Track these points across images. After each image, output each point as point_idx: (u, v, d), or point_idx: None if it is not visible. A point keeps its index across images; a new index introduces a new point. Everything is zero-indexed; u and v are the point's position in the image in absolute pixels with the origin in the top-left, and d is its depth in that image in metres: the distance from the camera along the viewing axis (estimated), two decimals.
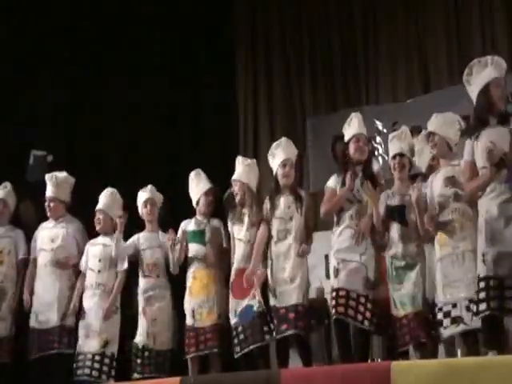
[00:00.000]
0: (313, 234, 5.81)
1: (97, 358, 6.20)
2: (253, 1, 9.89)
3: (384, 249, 5.44)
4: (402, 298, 5.28)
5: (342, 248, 5.43)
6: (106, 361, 6.22)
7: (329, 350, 6.63)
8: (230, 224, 6.07)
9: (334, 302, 5.32)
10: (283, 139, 6.01)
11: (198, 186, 6.35)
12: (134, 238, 6.46)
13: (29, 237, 6.72)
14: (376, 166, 5.85)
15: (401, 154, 5.52)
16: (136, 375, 6.10)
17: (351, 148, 5.61)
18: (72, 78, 8.51)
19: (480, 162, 4.72)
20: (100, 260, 6.43)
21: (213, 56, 9.30)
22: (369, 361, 5.67)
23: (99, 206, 6.55)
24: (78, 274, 6.53)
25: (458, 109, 5.78)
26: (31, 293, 6.51)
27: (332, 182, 5.63)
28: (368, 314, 5.32)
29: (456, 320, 4.96)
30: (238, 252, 5.95)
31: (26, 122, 8.16)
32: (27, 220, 7.15)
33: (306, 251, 5.71)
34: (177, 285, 6.35)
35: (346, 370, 4.62)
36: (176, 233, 6.29)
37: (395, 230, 5.37)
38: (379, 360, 6.13)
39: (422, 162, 5.70)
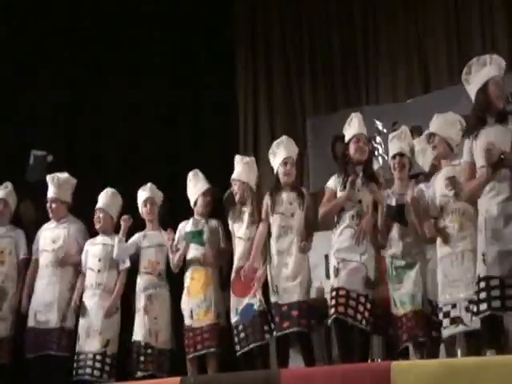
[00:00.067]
0: (313, 232, 5.82)
1: (98, 357, 6.20)
2: (253, 1, 9.88)
3: (385, 248, 5.46)
4: (402, 297, 5.29)
5: (343, 248, 5.43)
6: (108, 360, 6.23)
7: (329, 350, 6.63)
8: (230, 222, 6.09)
9: (333, 302, 5.32)
10: (284, 137, 6.02)
11: (195, 186, 6.36)
12: (135, 237, 6.46)
13: (29, 237, 6.72)
14: (375, 166, 5.86)
15: (401, 154, 5.54)
16: (139, 373, 6.09)
17: (351, 148, 5.61)
18: (72, 77, 8.51)
19: (479, 162, 4.72)
20: (100, 260, 6.43)
21: (213, 56, 9.29)
22: (369, 361, 5.68)
23: (99, 204, 6.57)
24: (78, 274, 6.54)
25: (458, 109, 5.78)
26: (30, 294, 6.51)
27: (332, 182, 5.64)
28: (367, 314, 5.32)
29: (455, 320, 4.96)
30: (239, 250, 5.96)
31: (26, 122, 8.16)
32: (27, 220, 7.16)
33: (307, 248, 5.71)
34: (175, 285, 6.35)
35: (346, 370, 4.62)
36: (175, 232, 6.31)
37: (395, 229, 5.39)
38: (379, 360, 6.13)
39: (425, 161, 5.71)
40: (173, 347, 6.28)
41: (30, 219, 7.21)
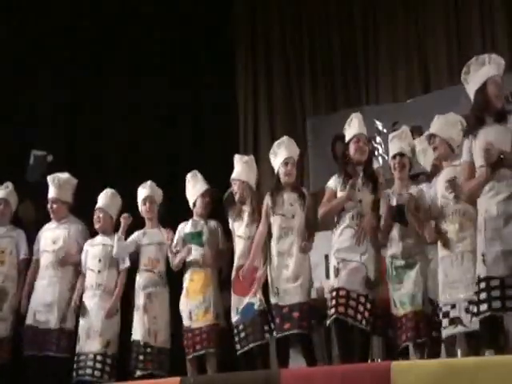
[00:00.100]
0: (315, 232, 5.82)
1: (99, 358, 6.20)
2: (253, 1, 9.88)
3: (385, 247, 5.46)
4: (402, 297, 5.29)
5: (343, 248, 5.43)
6: (108, 361, 6.23)
7: (329, 350, 6.63)
8: (230, 221, 6.10)
9: (334, 302, 5.31)
10: (285, 138, 6.02)
11: (194, 187, 6.37)
12: (134, 235, 6.46)
13: (29, 237, 6.72)
14: (375, 165, 5.86)
15: (401, 154, 5.54)
16: (139, 372, 6.08)
17: (351, 148, 5.61)
18: (72, 77, 8.51)
19: (478, 161, 4.72)
20: (100, 260, 6.43)
21: (213, 56, 9.29)
22: (369, 361, 5.68)
23: (99, 204, 6.57)
24: (79, 274, 6.54)
25: (458, 109, 5.78)
26: (30, 294, 6.50)
27: (332, 182, 5.63)
28: (367, 314, 5.32)
29: (454, 321, 4.96)
30: (239, 249, 5.97)
31: (26, 122, 8.16)
32: (27, 220, 7.16)
33: (308, 248, 5.71)
34: (174, 285, 6.35)
35: (346, 370, 4.62)
36: (174, 233, 6.31)
37: (395, 229, 5.39)
38: (379, 360, 6.13)
39: (426, 161, 5.72)
40: (172, 347, 6.27)
41: (29, 219, 7.22)
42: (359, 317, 5.29)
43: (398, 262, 5.34)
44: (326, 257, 6.86)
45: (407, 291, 5.27)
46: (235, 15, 9.83)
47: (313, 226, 5.79)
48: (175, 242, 6.29)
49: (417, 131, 6.39)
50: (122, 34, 8.80)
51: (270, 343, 5.83)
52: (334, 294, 5.34)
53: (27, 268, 6.65)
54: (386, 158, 7.92)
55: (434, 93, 8.32)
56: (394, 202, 5.41)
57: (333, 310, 5.30)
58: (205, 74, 9.22)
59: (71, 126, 8.73)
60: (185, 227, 6.32)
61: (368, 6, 9.16)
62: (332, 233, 5.59)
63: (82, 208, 6.78)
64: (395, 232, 5.38)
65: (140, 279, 6.32)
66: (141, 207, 6.51)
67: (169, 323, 6.29)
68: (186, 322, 6.12)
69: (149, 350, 6.13)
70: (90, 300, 6.35)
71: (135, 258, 6.43)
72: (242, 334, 5.81)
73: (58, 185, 6.63)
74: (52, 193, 6.64)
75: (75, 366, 6.23)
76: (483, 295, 4.55)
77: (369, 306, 5.33)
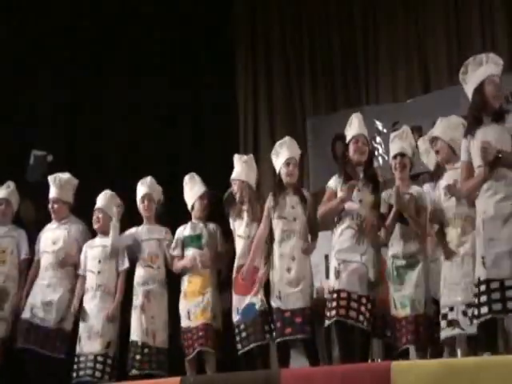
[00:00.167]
0: (317, 233, 5.82)
1: (99, 358, 6.19)
2: (253, 1, 9.87)
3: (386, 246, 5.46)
4: (403, 299, 5.27)
5: (343, 248, 5.42)
6: (109, 361, 6.22)
7: (329, 350, 6.62)
8: (231, 221, 6.10)
9: (335, 304, 5.30)
10: (287, 138, 6.01)
11: (192, 189, 6.37)
12: (133, 230, 6.46)
13: (29, 237, 6.72)
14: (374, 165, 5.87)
15: (402, 154, 5.53)
16: (134, 371, 6.07)
17: (351, 149, 5.62)
18: (72, 77, 8.52)
19: (476, 161, 4.72)
20: (100, 261, 6.42)
21: (213, 56, 9.29)
22: (369, 361, 5.67)
23: (98, 205, 6.57)
24: (79, 276, 6.54)
25: (458, 109, 5.78)
26: (29, 293, 6.50)
27: (332, 182, 5.63)
28: (368, 315, 5.31)
29: (452, 323, 4.96)
30: (239, 248, 5.97)
31: (26, 122, 8.17)
32: (27, 220, 7.15)
33: (310, 250, 5.71)
34: (172, 286, 6.35)
35: (346, 370, 4.62)
36: (172, 233, 6.31)
37: (396, 229, 5.38)
38: (379, 360, 6.13)
39: (429, 160, 5.72)
40: (171, 347, 6.28)
41: (29, 219, 7.21)
42: (361, 318, 5.28)
43: (399, 261, 5.33)
44: (326, 257, 6.86)
45: (408, 293, 5.24)
46: (235, 15, 9.82)
47: (315, 227, 5.79)
48: (174, 244, 6.30)
49: (417, 131, 6.39)
50: (121, 34, 8.80)
51: (271, 343, 5.82)
52: (335, 296, 5.32)
53: (28, 268, 6.64)
54: (386, 158, 7.93)
55: (434, 93, 8.32)
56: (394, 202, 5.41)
57: (334, 312, 5.28)
58: (205, 73, 9.22)
59: (71, 126, 8.73)
60: (184, 230, 6.33)
61: (368, 5, 9.16)
62: (332, 233, 5.59)
63: (81, 208, 6.78)
64: (396, 231, 5.37)
65: (139, 275, 6.31)
66: (139, 205, 6.52)
67: (167, 323, 6.28)
68: (184, 323, 6.12)
69: (146, 350, 6.12)
70: (91, 301, 6.33)
71: (135, 256, 6.43)
72: (243, 334, 5.81)
73: (59, 185, 6.64)
74: (53, 193, 6.64)
75: (75, 366, 6.22)
76: (483, 298, 4.54)
77: (370, 306, 5.33)
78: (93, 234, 6.64)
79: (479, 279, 4.59)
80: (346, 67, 9.17)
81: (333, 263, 5.48)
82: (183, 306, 6.16)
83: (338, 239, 5.47)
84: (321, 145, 8.69)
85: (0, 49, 8.01)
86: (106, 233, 6.49)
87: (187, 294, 6.17)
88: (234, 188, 6.14)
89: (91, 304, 6.32)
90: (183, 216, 6.43)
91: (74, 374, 6.21)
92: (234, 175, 6.18)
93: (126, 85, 8.70)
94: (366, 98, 8.98)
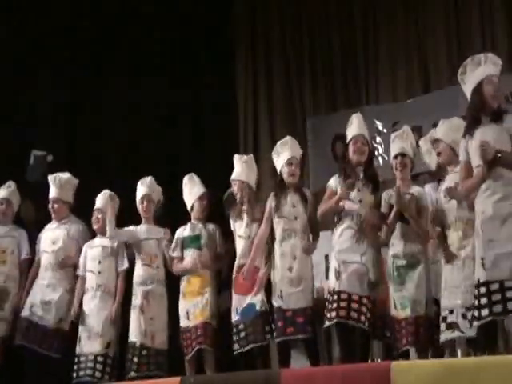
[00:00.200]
0: (319, 233, 5.81)
1: (100, 358, 6.19)
2: (253, 1, 9.87)
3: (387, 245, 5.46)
4: (403, 300, 5.26)
5: (343, 249, 5.42)
6: (109, 361, 6.22)
7: (329, 350, 6.62)
8: (231, 222, 6.10)
9: (335, 305, 5.30)
10: (288, 138, 6.02)
11: (191, 190, 6.37)
12: (131, 228, 6.44)
13: (30, 237, 6.72)
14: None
15: (402, 154, 5.53)
16: (132, 373, 6.06)
17: (350, 149, 5.63)
18: (72, 77, 8.52)
19: (475, 161, 4.72)
20: (100, 261, 6.43)
21: (213, 56, 9.29)
22: (369, 361, 5.67)
23: (97, 205, 6.56)
24: (78, 276, 6.54)
25: (458, 109, 5.78)
26: (29, 292, 6.50)
27: (333, 182, 5.64)
28: (369, 315, 5.31)
29: (451, 326, 4.96)
30: (239, 248, 5.97)
31: (26, 122, 8.17)
32: (27, 220, 7.15)
33: (311, 249, 5.71)
34: (172, 286, 6.35)
35: (346, 370, 4.62)
36: (171, 233, 6.32)
37: (397, 228, 5.37)
38: (379, 360, 6.13)
39: (431, 160, 5.72)
40: (171, 348, 6.27)
41: (29, 219, 7.21)
42: (363, 318, 5.27)
43: (399, 261, 5.33)
44: (326, 257, 6.86)
45: (409, 294, 5.24)
46: (235, 15, 9.82)
47: (316, 226, 5.78)
48: (174, 245, 6.30)
49: (417, 131, 6.39)
50: (122, 34, 8.80)
51: (271, 344, 5.82)
52: (336, 297, 5.32)
53: (29, 268, 6.65)
54: (386, 158, 7.93)
55: (434, 93, 8.32)
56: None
57: (334, 314, 5.28)
58: (205, 73, 9.21)
59: (71, 126, 8.73)
60: (183, 231, 6.33)
61: (368, 5, 9.16)
62: (332, 233, 5.59)
63: (81, 208, 6.78)
64: (397, 231, 5.37)
65: (138, 274, 6.31)
66: (138, 205, 6.51)
67: (167, 324, 6.27)
68: (183, 323, 6.12)
69: (145, 352, 6.10)
70: (91, 301, 6.34)
71: (132, 259, 6.43)
72: (242, 334, 5.81)
73: (59, 185, 6.64)
74: (53, 193, 6.64)
75: (75, 366, 6.22)
76: (484, 300, 4.54)
77: (371, 306, 5.32)
78: (92, 235, 6.64)
79: (479, 281, 4.59)
80: (346, 67, 9.17)
81: (333, 264, 5.48)
82: (182, 306, 6.17)
83: (338, 240, 5.47)
84: (321, 145, 8.69)
85: (0, 49, 8.01)
86: (105, 233, 6.49)
87: (186, 294, 6.18)
88: (234, 188, 6.14)
89: (91, 304, 6.32)
90: (183, 216, 6.43)
91: (74, 374, 6.22)
92: (234, 176, 6.18)
93: (126, 85, 8.70)
94: (366, 98, 8.98)
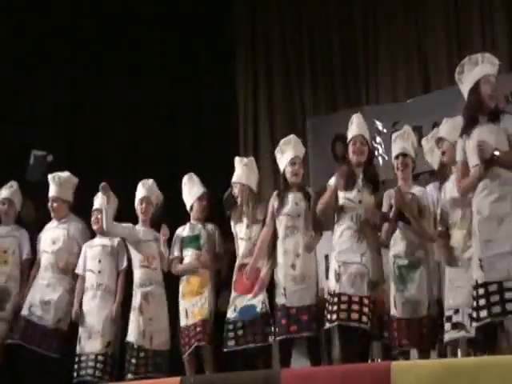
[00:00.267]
0: (322, 231, 5.81)
1: (100, 358, 6.19)
2: (253, 1, 9.87)
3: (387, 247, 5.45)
4: (405, 300, 5.24)
5: (343, 249, 5.41)
6: (109, 361, 6.22)
7: (329, 350, 6.62)
8: (232, 224, 6.10)
9: (335, 307, 5.29)
10: (292, 137, 6.02)
11: (191, 190, 6.37)
12: (130, 225, 6.41)
13: (30, 237, 6.71)
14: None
15: (404, 154, 5.52)
16: (130, 375, 6.05)
17: (350, 150, 5.64)
18: (72, 77, 8.52)
19: (472, 160, 4.71)
20: (100, 261, 6.43)
21: (213, 56, 9.29)
22: (369, 361, 5.67)
23: (96, 205, 6.56)
24: (78, 276, 6.54)
25: (458, 109, 5.77)
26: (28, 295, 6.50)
27: (333, 181, 5.62)
28: (370, 315, 5.30)
29: (457, 326, 4.93)
30: (241, 250, 5.97)
31: (26, 122, 8.17)
32: (27, 220, 7.15)
33: (312, 247, 5.70)
34: (172, 286, 6.35)
35: (346, 370, 4.62)
36: (171, 233, 6.31)
37: (398, 228, 5.36)
38: (379, 360, 6.13)
39: (433, 160, 5.72)
40: (171, 348, 6.26)
41: (30, 219, 7.21)
42: (364, 318, 5.25)
43: (400, 261, 5.31)
44: (326, 257, 6.86)
45: (411, 295, 5.22)
46: (235, 15, 9.82)
47: (319, 223, 5.78)
48: (173, 245, 6.30)
49: (417, 131, 6.38)
50: (122, 34, 8.80)
51: (272, 344, 5.82)
52: (336, 299, 5.31)
53: (30, 268, 6.65)
54: (386, 157, 7.93)
55: (434, 93, 8.32)
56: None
57: (335, 316, 5.27)
58: (205, 73, 9.21)
59: (71, 126, 8.73)
60: (183, 231, 6.33)
61: (368, 5, 9.16)
62: (332, 233, 5.58)
63: (81, 208, 6.77)
64: (399, 231, 5.36)
65: (137, 276, 6.30)
66: (137, 206, 6.50)
67: (167, 324, 6.27)
68: (183, 322, 6.13)
69: (142, 353, 6.09)
70: (91, 301, 6.34)
71: (130, 258, 6.42)
72: (240, 332, 5.79)
73: (58, 183, 6.64)
74: (52, 191, 6.65)
75: (76, 366, 6.22)
76: (482, 301, 4.52)
77: (371, 306, 5.31)
78: (92, 235, 6.64)
79: (477, 282, 4.58)
80: (346, 67, 9.17)
81: (333, 265, 5.47)
82: (182, 306, 6.18)
83: (338, 240, 5.46)
84: (321, 145, 8.69)
85: (0, 49, 8.01)
86: (105, 233, 6.49)
87: (185, 294, 6.18)
88: (235, 191, 6.15)
89: (92, 303, 6.33)
90: (182, 216, 6.43)
91: (75, 374, 6.22)
92: (234, 178, 6.18)
93: (126, 85, 8.69)
94: (366, 98, 8.98)
